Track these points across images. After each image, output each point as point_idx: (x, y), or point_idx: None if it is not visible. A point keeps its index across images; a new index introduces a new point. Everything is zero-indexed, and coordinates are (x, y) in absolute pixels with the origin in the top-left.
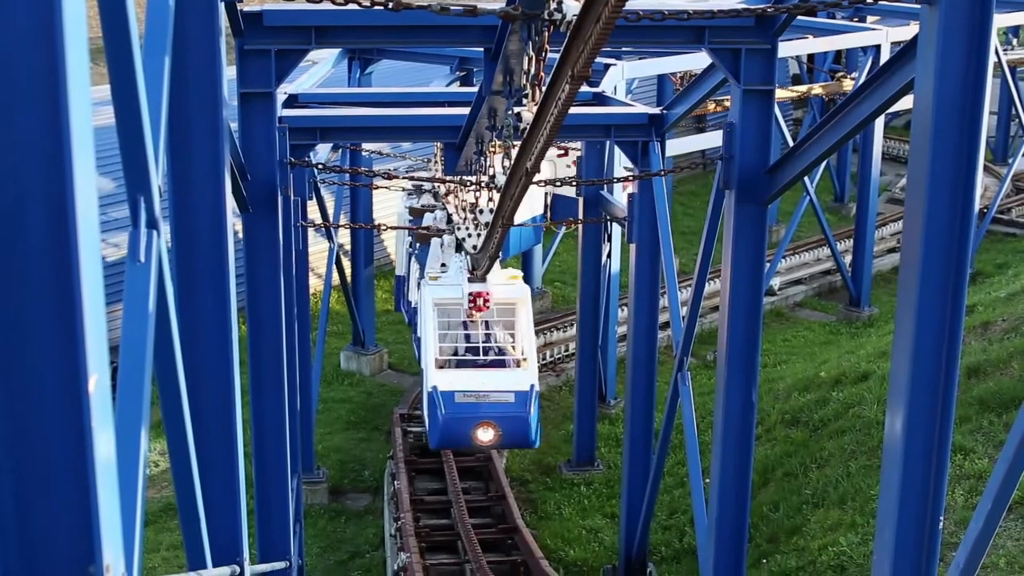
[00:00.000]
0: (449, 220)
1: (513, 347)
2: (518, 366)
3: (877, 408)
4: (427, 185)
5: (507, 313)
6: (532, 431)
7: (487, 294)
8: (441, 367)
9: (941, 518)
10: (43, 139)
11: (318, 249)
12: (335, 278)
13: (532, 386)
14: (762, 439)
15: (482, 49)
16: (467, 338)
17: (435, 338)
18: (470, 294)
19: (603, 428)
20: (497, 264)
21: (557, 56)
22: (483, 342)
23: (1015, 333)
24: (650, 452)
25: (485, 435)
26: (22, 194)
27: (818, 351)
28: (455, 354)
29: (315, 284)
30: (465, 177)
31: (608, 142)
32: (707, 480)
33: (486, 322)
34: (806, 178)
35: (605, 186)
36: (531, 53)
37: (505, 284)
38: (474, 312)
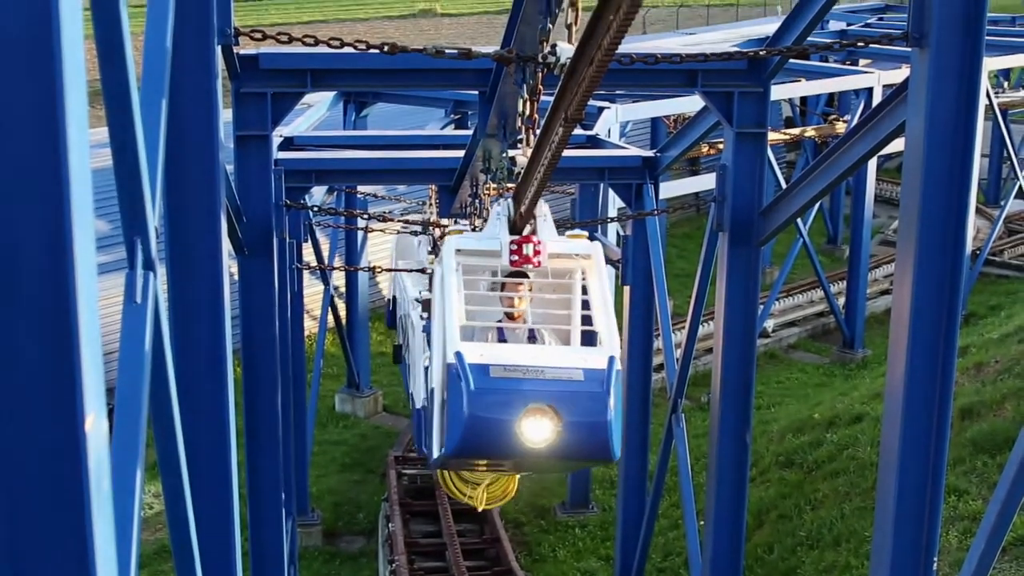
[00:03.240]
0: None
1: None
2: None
3: (871, 450)
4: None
5: (568, 275)
6: (612, 428)
7: (540, 242)
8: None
9: (935, 560)
10: (41, 182)
11: (313, 291)
12: (330, 320)
13: (612, 360)
14: (756, 481)
15: (477, 92)
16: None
17: (458, 298)
18: (514, 242)
19: (598, 470)
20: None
21: (551, 99)
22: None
23: (1008, 374)
24: (644, 494)
25: (537, 430)
26: (19, 234)
27: (812, 393)
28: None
29: (310, 326)
30: (460, 220)
31: (602, 185)
32: (702, 522)
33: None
34: (799, 220)
35: (599, 229)
36: (525, 96)
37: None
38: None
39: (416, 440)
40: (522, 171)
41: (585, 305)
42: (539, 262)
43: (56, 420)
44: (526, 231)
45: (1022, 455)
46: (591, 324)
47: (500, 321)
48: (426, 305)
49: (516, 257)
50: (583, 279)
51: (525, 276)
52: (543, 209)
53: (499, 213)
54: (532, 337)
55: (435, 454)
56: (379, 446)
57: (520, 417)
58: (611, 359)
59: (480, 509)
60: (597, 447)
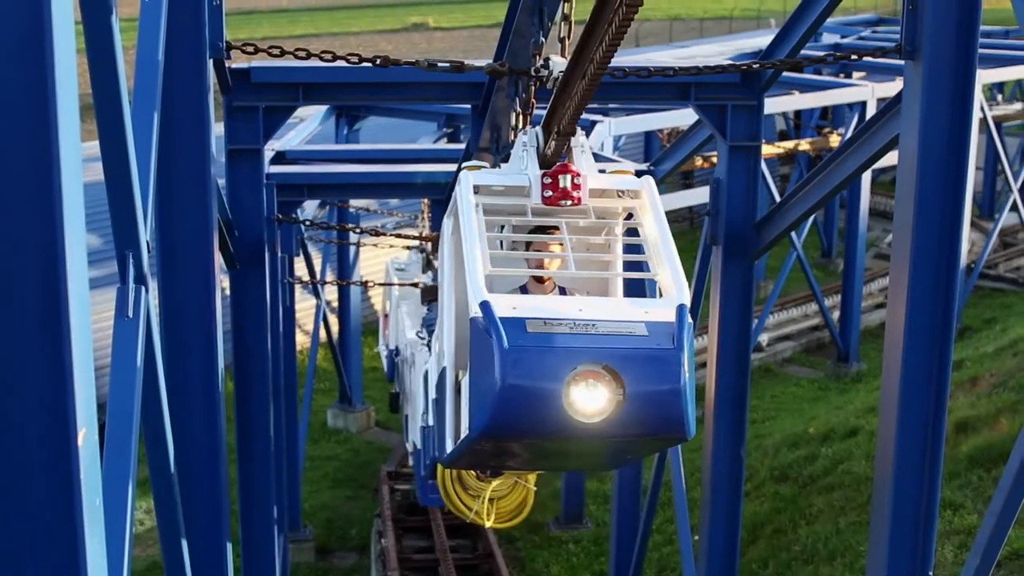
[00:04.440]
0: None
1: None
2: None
3: (866, 464)
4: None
5: (614, 215)
6: (686, 396)
7: (578, 173)
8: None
9: (931, 574)
10: (33, 196)
11: (305, 306)
12: (322, 335)
13: (682, 310)
14: (751, 495)
15: (469, 106)
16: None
17: (481, 241)
18: (547, 174)
19: (591, 485)
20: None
21: (544, 113)
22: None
23: (1003, 388)
24: (639, 509)
25: (590, 400)
26: (12, 250)
27: (807, 407)
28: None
29: (302, 341)
30: None
31: None
32: (696, 537)
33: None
34: (793, 234)
35: None
36: (518, 109)
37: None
38: (557, 205)
39: (419, 491)
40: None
41: (636, 250)
42: (579, 198)
43: (48, 435)
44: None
45: (1017, 469)
46: (648, 272)
47: (525, 284)
48: (427, 292)
49: (550, 193)
50: (634, 221)
51: (556, 229)
52: (580, 139)
53: (526, 144)
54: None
55: (449, 447)
56: (372, 461)
57: (568, 383)
58: (681, 309)
59: (488, 526)
60: (669, 422)
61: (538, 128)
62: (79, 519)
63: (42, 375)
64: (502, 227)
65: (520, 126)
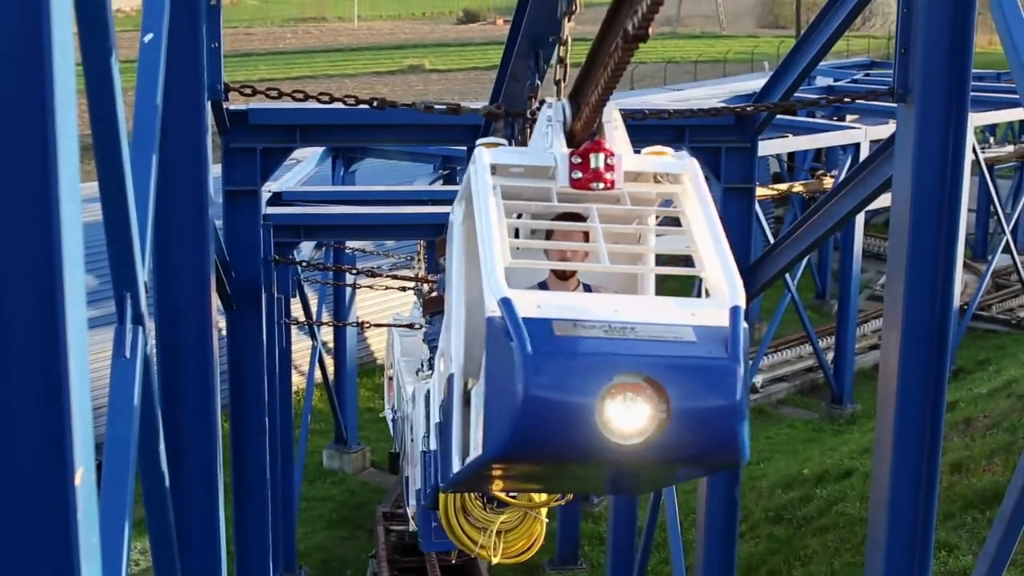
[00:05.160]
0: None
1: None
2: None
3: (861, 505)
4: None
5: (651, 201)
6: (741, 412)
7: (612, 152)
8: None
9: None
10: (32, 236)
11: (301, 346)
12: (318, 376)
13: (736, 313)
14: (746, 536)
15: (465, 148)
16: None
17: (500, 229)
18: (576, 153)
19: (587, 527)
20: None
21: None
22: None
23: (997, 429)
24: (634, 550)
25: (630, 415)
26: (11, 289)
27: (801, 448)
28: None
29: (298, 382)
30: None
31: None
32: None
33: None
34: (787, 275)
35: None
36: None
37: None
38: (587, 190)
39: (422, 536)
40: None
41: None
42: (612, 180)
43: (45, 474)
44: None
45: (1011, 510)
46: (693, 267)
47: (545, 280)
48: (430, 303)
49: (579, 175)
50: (674, 209)
51: (581, 218)
52: (613, 114)
53: (551, 119)
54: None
55: (455, 467)
56: (367, 502)
57: (603, 397)
58: (735, 311)
59: (496, 562)
60: (721, 444)
61: (564, 100)
62: (76, 559)
63: (39, 414)
64: (519, 215)
65: None
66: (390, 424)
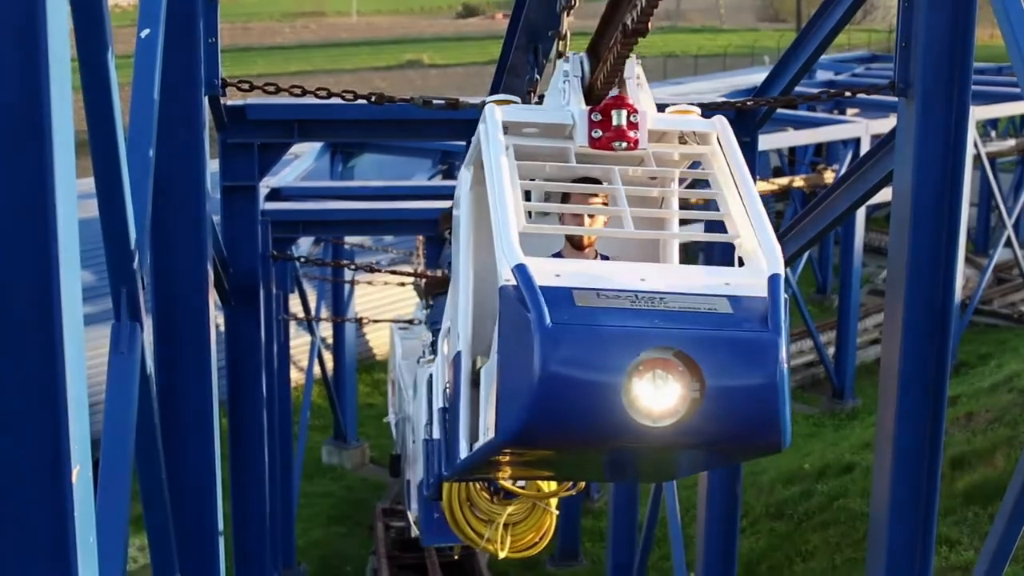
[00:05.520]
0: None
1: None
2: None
3: (862, 500)
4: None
5: (680, 161)
6: (782, 391)
7: (635, 109)
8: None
9: None
10: (28, 233)
11: (300, 342)
12: (317, 371)
13: (776, 282)
14: (747, 532)
15: (464, 143)
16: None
17: (513, 191)
18: (596, 110)
19: (587, 522)
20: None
21: None
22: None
23: (999, 424)
24: (634, 546)
25: (659, 395)
26: (6, 286)
27: (802, 443)
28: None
29: (296, 377)
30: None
31: None
32: (692, 574)
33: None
34: (788, 270)
35: None
36: None
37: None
38: (608, 150)
39: (423, 527)
40: None
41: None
42: (636, 139)
43: (43, 472)
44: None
45: (1013, 505)
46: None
47: (560, 251)
48: (432, 285)
49: (600, 133)
50: (702, 171)
51: (597, 182)
52: (635, 69)
53: (568, 73)
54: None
55: (463, 453)
56: (366, 498)
57: (629, 374)
58: (774, 280)
59: (503, 556)
60: (760, 427)
61: (583, 54)
62: (73, 557)
63: (36, 412)
64: (532, 179)
65: None
66: (392, 428)
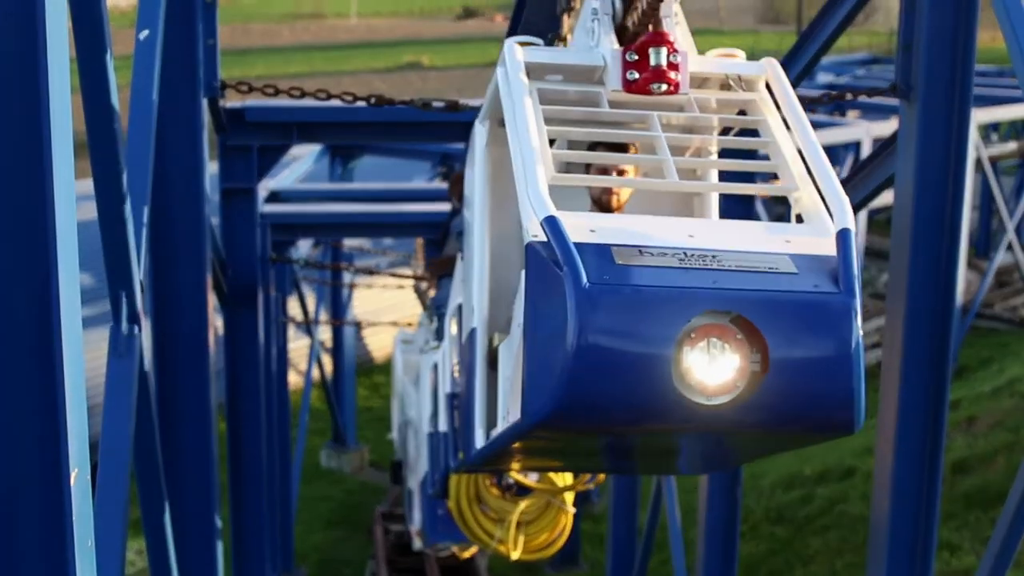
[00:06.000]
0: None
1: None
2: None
3: (863, 505)
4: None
5: (724, 108)
6: (857, 364)
7: (676, 47)
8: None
9: None
10: (27, 235)
11: (298, 345)
12: (316, 374)
13: (846, 237)
14: (747, 536)
15: (463, 145)
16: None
17: (540, 138)
18: (631, 48)
19: (587, 526)
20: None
21: None
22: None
23: (1000, 428)
24: (634, 550)
25: (715, 367)
26: (4, 289)
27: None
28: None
29: (295, 381)
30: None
31: None
32: None
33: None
34: None
35: None
36: None
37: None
38: (645, 93)
39: (428, 526)
40: None
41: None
42: (677, 81)
43: (40, 475)
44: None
45: (1014, 509)
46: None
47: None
48: (437, 266)
49: (636, 74)
50: (750, 119)
51: (623, 148)
52: (674, 7)
53: (596, 11)
54: None
55: (479, 442)
56: (365, 502)
57: (680, 343)
58: (844, 235)
59: (516, 558)
60: (831, 404)
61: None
62: (71, 560)
63: (34, 414)
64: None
65: None
66: (395, 441)
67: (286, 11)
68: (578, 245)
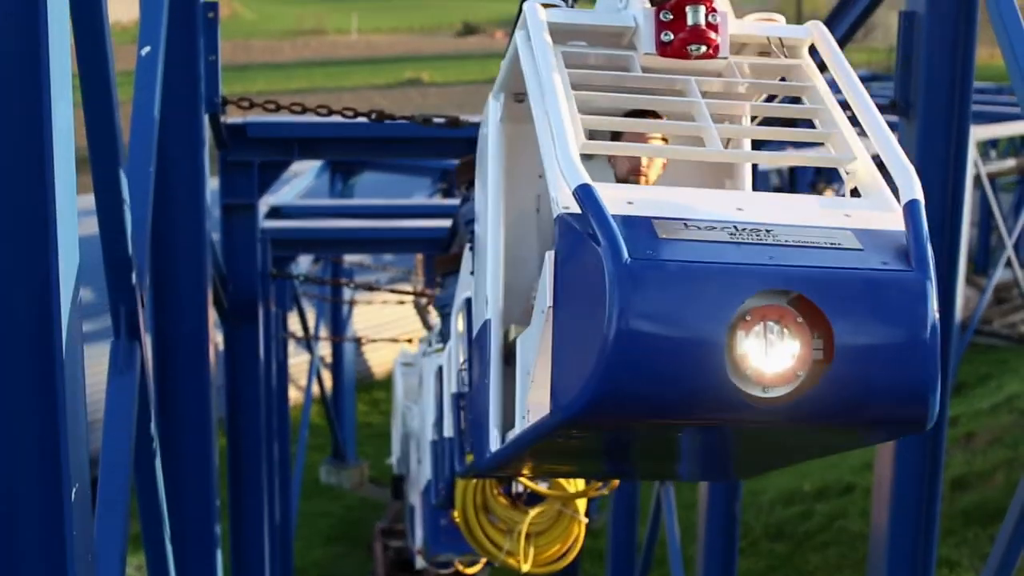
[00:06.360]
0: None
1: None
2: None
3: (862, 521)
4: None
5: (770, 73)
6: (934, 351)
7: (715, 7)
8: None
9: None
10: (28, 250)
11: (299, 361)
12: (316, 390)
13: (915, 208)
14: (746, 552)
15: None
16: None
17: (567, 101)
18: (665, 7)
19: (586, 542)
20: None
21: None
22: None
23: (999, 444)
24: (633, 567)
25: (773, 355)
26: (5, 303)
27: (802, 463)
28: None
29: (295, 396)
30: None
31: None
32: None
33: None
34: None
35: None
36: None
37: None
38: (681, 57)
39: (430, 539)
40: None
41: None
42: (717, 43)
43: (40, 490)
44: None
45: (1013, 526)
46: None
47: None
48: (442, 263)
49: (671, 36)
50: (794, 85)
51: (655, 115)
52: None
53: None
54: None
55: (493, 444)
56: (365, 518)
57: (733, 326)
58: (912, 208)
59: (526, 571)
60: (903, 397)
61: None
62: (71, 575)
63: (34, 430)
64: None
65: None
66: (394, 466)
67: (287, 27)
68: (615, 218)
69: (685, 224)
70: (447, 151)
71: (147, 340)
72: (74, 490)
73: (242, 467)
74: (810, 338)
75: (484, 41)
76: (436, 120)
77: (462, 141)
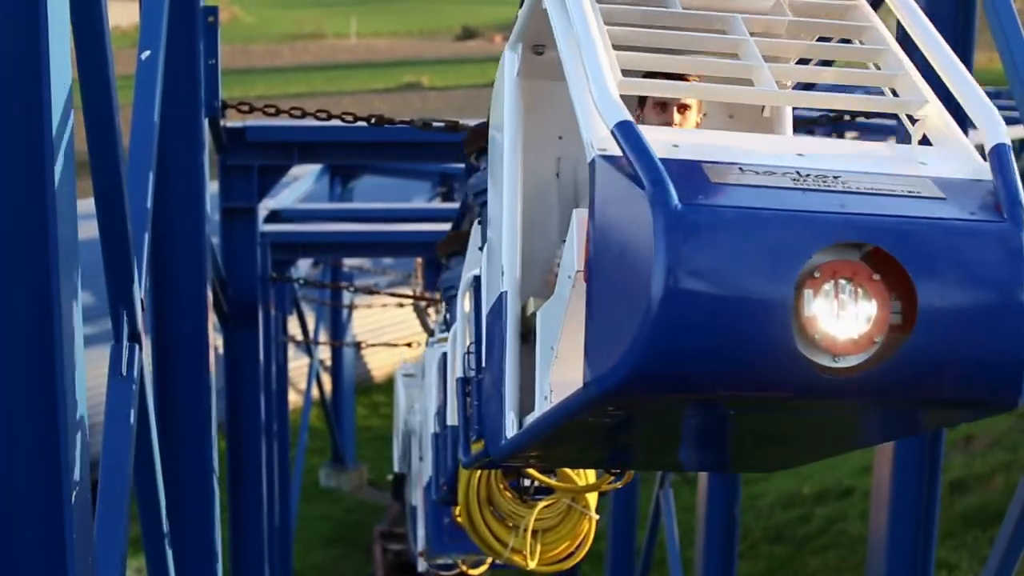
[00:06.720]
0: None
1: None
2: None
3: (861, 524)
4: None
5: (821, 12)
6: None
7: None
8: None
9: None
10: (29, 253)
11: (298, 364)
12: (315, 393)
13: (1002, 152)
14: (745, 556)
15: (463, 165)
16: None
17: (603, 39)
18: None
19: None
20: None
21: None
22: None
23: (998, 447)
24: (633, 569)
25: (846, 318)
26: (7, 307)
27: (801, 466)
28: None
29: (295, 400)
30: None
31: None
32: None
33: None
34: None
35: None
36: None
37: None
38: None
39: (433, 538)
40: None
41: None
42: None
43: (41, 493)
44: None
45: (1012, 528)
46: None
47: None
48: (447, 244)
49: None
50: (862, 23)
51: (683, 78)
52: None
53: None
54: None
55: (510, 429)
56: (364, 521)
57: (801, 285)
58: (999, 152)
59: (533, 567)
60: (991, 371)
61: None
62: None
63: (35, 432)
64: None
65: None
66: (395, 464)
67: (286, 31)
68: (667, 161)
69: (740, 168)
70: (446, 155)
71: (147, 343)
72: (74, 493)
73: (242, 470)
74: (888, 299)
75: (483, 45)
76: (435, 124)
77: (461, 145)
